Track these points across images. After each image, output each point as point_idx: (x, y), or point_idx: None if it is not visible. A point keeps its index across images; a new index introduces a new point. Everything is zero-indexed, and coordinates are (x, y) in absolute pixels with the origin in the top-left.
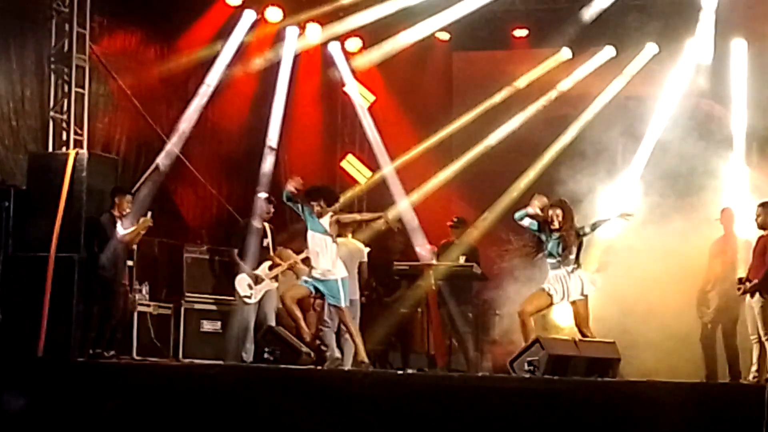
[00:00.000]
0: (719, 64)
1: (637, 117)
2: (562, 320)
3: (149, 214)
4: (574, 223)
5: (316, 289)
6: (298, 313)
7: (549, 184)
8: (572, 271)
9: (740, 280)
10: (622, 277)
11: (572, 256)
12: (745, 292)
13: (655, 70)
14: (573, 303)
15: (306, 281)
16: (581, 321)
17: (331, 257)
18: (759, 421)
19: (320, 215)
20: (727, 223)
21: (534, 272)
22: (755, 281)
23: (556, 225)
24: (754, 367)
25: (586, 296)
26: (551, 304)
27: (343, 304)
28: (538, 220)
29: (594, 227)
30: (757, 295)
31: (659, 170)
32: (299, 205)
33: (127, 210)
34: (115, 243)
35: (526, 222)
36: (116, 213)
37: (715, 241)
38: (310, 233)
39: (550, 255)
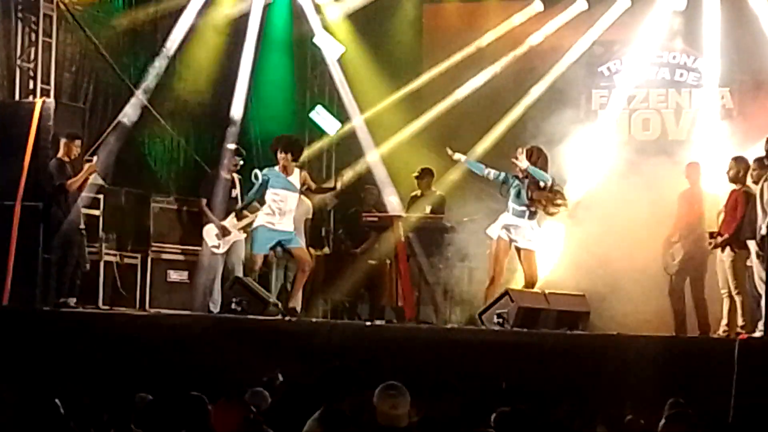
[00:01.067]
0: (692, 11)
1: (602, 61)
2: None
3: (94, 159)
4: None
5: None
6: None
7: (520, 136)
8: (532, 219)
9: (711, 235)
10: (591, 229)
11: (537, 204)
12: (715, 247)
13: (626, 21)
14: (525, 252)
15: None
16: (529, 270)
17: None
18: (729, 375)
19: (287, 170)
20: (694, 177)
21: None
22: (726, 235)
23: (519, 174)
24: (724, 321)
25: (535, 250)
26: (509, 247)
27: None
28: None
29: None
30: (728, 249)
31: (630, 119)
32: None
33: (76, 155)
34: (64, 189)
35: (486, 172)
36: (65, 158)
37: (682, 193)
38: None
39: (513, 199)
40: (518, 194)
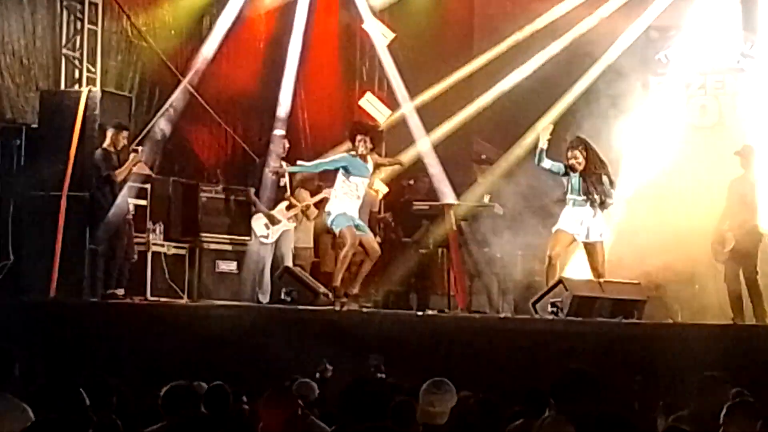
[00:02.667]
0: None
1: (659, 47)
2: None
3: (140, 149)
4: (600, 161)
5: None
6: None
7: (573, 123)
8: (594, 212)
9: None
10: (647, 216)
11: (596, 197)
12: None
13: (679, 4)
14: (590, 245)
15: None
16: (596, 264)
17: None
18: None
19: (364, 157)
20: (746, 161)
21: (557, 212)
22: None
23: (577, 168)
24: None
25: (601, 241)
26: (573, 241)
27: None
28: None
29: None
30: None
31: (687, 105)
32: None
33: (123, 145)
34: (110, 180)
35: (548, 164)
36: (111, 149)
37: (734, 179)
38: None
39: (573, 192)
40: (577, 187)
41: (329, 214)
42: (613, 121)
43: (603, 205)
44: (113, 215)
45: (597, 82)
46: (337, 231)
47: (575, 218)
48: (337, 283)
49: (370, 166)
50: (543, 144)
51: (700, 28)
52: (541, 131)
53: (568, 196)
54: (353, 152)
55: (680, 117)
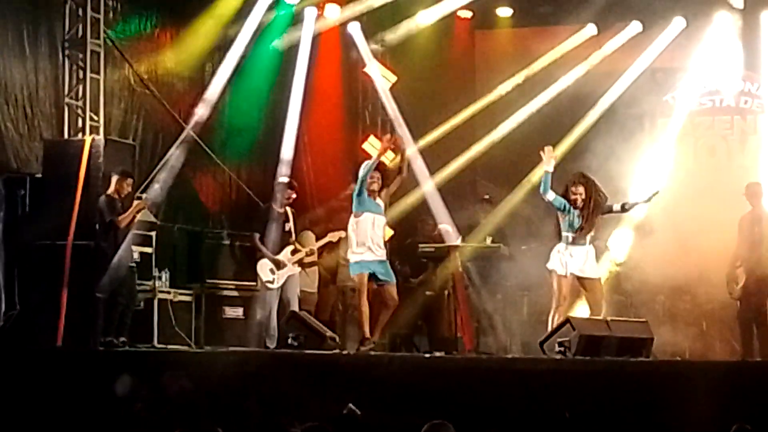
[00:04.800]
0: (749, 36)
1: (665, 89)
2: None
3: (143, 196)
4: (600, 198)
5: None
6: (367, 311)
7: (578, 162)
8: (590, 249)
9: None
10: (653, 254)
11: (591, 234)
12: None
13: (683, 44)
14: (589, 281)
15: (363, 267)
16: (596, 300)
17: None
18: None
19: (378, 194)
20: (754, 198)
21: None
22: None
23: (579, 204)
24: None
25: (599, 277)
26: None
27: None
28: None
29: (624, 208)
30: None
31: (690, 143)
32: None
33: (127, 192)
34: (114, 226)
35: (551, 196)
36: (114, 195)
37: (744, 216)
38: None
39: (570, 229)
40: (575, 223)
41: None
42: (618, 161)
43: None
44: (116, 262)
45: (604, 119)
46: (352, 274)
47: (572, 257)
48: (368, 333)
49: (382, 204)
50: (549, 167)
51: (705, 69)
52: (545, 153)
53: (565, 233)
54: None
55: (690, 157)
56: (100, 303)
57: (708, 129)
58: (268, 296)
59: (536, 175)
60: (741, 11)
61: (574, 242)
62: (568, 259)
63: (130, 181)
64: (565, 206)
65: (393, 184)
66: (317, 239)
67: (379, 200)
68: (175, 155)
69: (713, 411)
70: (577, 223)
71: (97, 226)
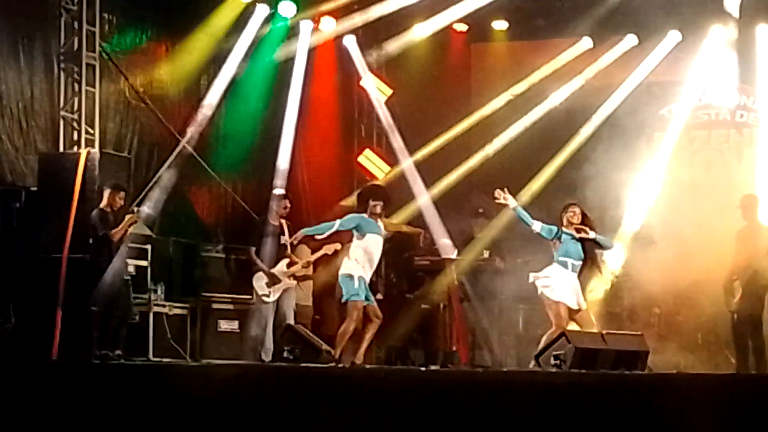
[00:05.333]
0: (744, 49)
1: (662, 103)
2: None
3: (136, 209)
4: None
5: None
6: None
7: (573, 177)
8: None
9: None
10: (648, 267)
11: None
12: None
13: (678, 57)
14: (581, 313)
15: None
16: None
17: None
18: None
19: (376, 216)
20: (749, 210)
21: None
22: None
23: (575, 221)
24: None
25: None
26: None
27: None
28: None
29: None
30: None
31: (687, 157)
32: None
33: (120, 206)
34: (107, 240)
35: (537, 227)
36: (107, 209)
37: (741, 229)
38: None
39: (569, 255)
40: (573, 250)
41: (347, 276)
42: (614, 174)
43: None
44: (110, 275)
45: (600, 132)
46: (345, 299)
47: (572, 287)
48: (338, 356)
49: (382, 226)
50: (511, 203)
51: (701, 83)
52: (498, 197)
53: (562, 258)
54: (364, 214)
55: (686, 171)
56: (95, 316)
57: (704, 143)
58: (263, 309)
59: (532, 189)
60: (736, 24)
61: (574, 269)
62: (571, 291)
63: (122, 194)
64: (556, 233)
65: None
66: (312, 252)
67: (380, 222)
68: (170, 169)
69: (708, 424)
70: (574, 249)
71: (90, 240)
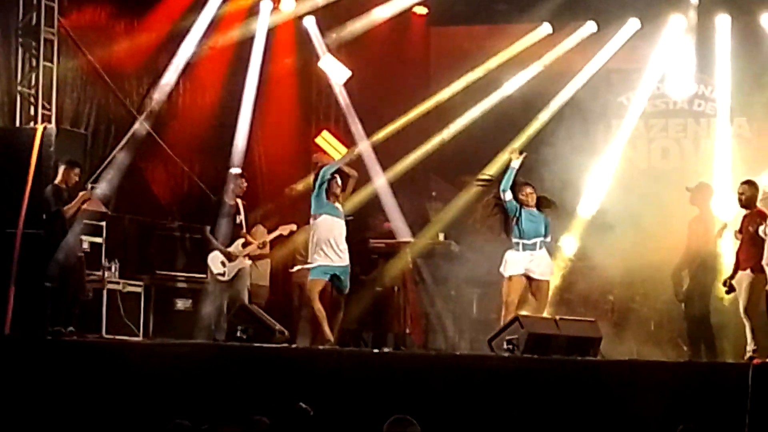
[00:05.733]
0: (703, 39)
1: (620, 90)
2: None
3: (89, 186)
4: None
5: (333, 276)
6: (323, 313)
7: (530, 162)
8: (541, 251)
9: (724, 283)
10: (604, 254)
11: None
12: (729, 292)
13: (637, 45)
14: (536, 282)
15: (326, 271)
16: (542, 302)
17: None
18: (743, 400)
19: (338, 198)
20: (701, 199)
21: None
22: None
23: (530, 204)
24: (749, 346)
25: (548, 279)
26: (527, 281)
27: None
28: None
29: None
30: (748, 272)
31: (644, 145)
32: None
33: (74, 182)
34: (60, 216)
35: (509, 196)
36: (62, 185)
37: (692, 219)
38: (326, 218)
39: (522, 235)
40: (527, 229)
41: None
42: (571, 161)
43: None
44: (64, 252)
45: (558, 118)
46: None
47: (525, 260)
48: (329, 335)
49: (341, 208)
50: (516, 163)
51: (659, 71)
52: (512, 152)
53: (516, 239)
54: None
55: (644, 159)
56: (48, 292)
57: (661, 131)
58: (218, 289)
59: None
60: (696, 13)
61: (527, 248)
62: (523, 263)
63: (77, 170)
64: (516, 211)
65: (348, 187)
66: (269, 233)
67: (338, 204)
68: (127, 146)
69: (660, 410)
70: (528, 227)
71: (44, 216)
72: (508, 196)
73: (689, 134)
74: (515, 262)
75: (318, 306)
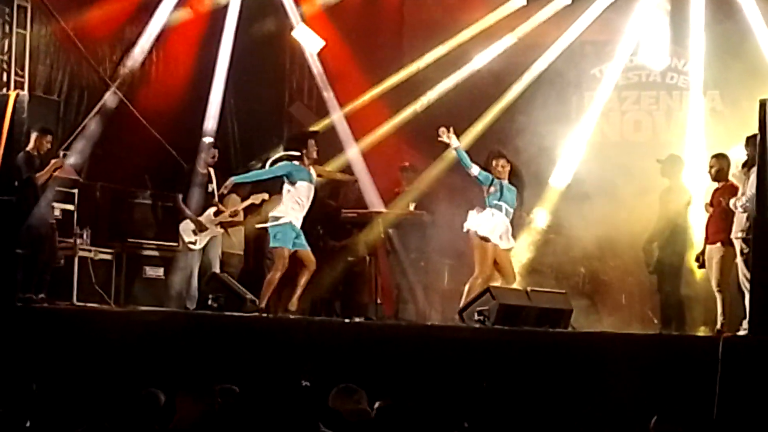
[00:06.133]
0: (677, 12)
1: (593, 62)
2: None
3: (61, 154)
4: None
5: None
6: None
7: (503, 132)
8: (508, 220)
9: (697, 258)
10: (576, 226)
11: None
12: (701, 267)
13: (611, 17)
14: (503, 252)
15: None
16: (508, 271)
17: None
18: (713, 373)
19: (311, 164)
20: (671, 171)
21: None
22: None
23: (504, 175)
24: (720, 318)
25: (512, 248)
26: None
27: None
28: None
29: None
30: (718, 245)
31: (617, 117)
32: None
33: (47, 149)
34: (32, 183)
35: (476, 171)
36: (34, 152)
37: (663, 191)
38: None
39: (497, 199)
40: (501, 195)
41: (275, 219)
42: (543, 133)
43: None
44: (35, 219)
45: (532, 90)
46: (272, 245)
47: (496, 226)
48: (263, 304)
49: (314, 173)
50: (455, 143)
51: (633, 43)
52: (443, 135)
53: (492, 202)
54: (296, 162)
55: (616, 131)
56: (19, 259)
57: (634, 104)
58: (189, 257)
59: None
60: None
61: (502, 212)
62: (495, 229)
63: (49, 138)
64: (492, 180)
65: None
66: (242, 201)
67: (311, 170)
68: (99, 113)
69: (630, 383)
70: (505, 194)
71: (16, 183)
72: (475, 171)
73: (662, 107)
74: (495, 226)
75: (277, 276)
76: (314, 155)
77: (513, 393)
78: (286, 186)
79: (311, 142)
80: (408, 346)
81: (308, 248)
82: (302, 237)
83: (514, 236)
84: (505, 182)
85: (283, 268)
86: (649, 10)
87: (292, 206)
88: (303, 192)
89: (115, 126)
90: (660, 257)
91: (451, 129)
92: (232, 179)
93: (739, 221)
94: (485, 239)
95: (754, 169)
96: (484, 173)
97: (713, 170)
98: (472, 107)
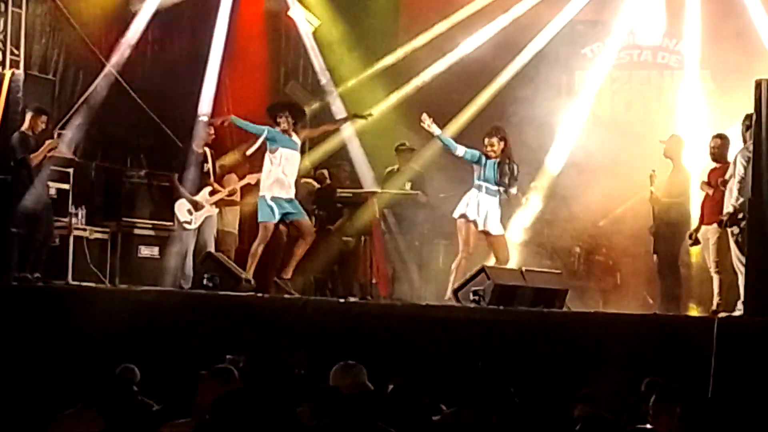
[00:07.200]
0: None
1: (585, 42)
2: None
3: (56, 134)
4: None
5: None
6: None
7: (500, 111)
8: (497, 203)
9: (690, 236)
10: (574, 205)
11: (505, 186)
12: (693, 244)
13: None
14: (494, 238)
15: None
16: (503, 256)
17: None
18: (708, 353)
19: (287, 131)
20: (673, 151)
21: None
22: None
23: (492, 156)
24: (716, 299)
25: (502, 233)
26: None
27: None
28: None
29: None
30: (714, 227)
31: (608, 97)
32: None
33: (41, 129)
34: (26, 164)
35: (461, 152)
36: (29, 132)
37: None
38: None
39: (485, 179)
40: (492, 175)
41: (262, 198)
42: (536, 113)
43: (506, 193)
44: (30, 199)
45: (524, 70)
46: (259, 220)
47: (479, 205)
48: (249, 275)
49: (297, 140)
50: (435, 130)
51: (626, 23)
52: (423, 123)
53: (478, 182)
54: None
55: (607, 111)
56: (15, 238)
57: (625, 83)
58: (184, 236)
59: (457, 125)
60: None
61: (489, 192)
62: (477, 208)
63: (44, 118)
64: (479, 158)
65: (317, 131)
66: (240, 180)
67: (295, 137)
68: (95, 92)
69: (625, 363)
70: (493, 174)
71: (11, 163)
72: (460, 151)
73: (653, 86)
74: (468, 205)
75: (261, 248)
76: (283, 126)
77: (508, 372)
78: (267, 155)
79: (279, 115)
80: (403, 326)
81: (305, 217)
82: (296, 206)
83: (507, 216)
84: (491, 161)
85: (264, 240)
86: None
87: (273, 180)
88: (285, 159)
89: (111, 105)
90: (662, 236)
91: (431, 118)
92: (231, 117)
93: (727, 202)
94: (463, 216)
95: (744, 151)
96: (471, 151)
97: (715, 150)
98: (467, 86)
